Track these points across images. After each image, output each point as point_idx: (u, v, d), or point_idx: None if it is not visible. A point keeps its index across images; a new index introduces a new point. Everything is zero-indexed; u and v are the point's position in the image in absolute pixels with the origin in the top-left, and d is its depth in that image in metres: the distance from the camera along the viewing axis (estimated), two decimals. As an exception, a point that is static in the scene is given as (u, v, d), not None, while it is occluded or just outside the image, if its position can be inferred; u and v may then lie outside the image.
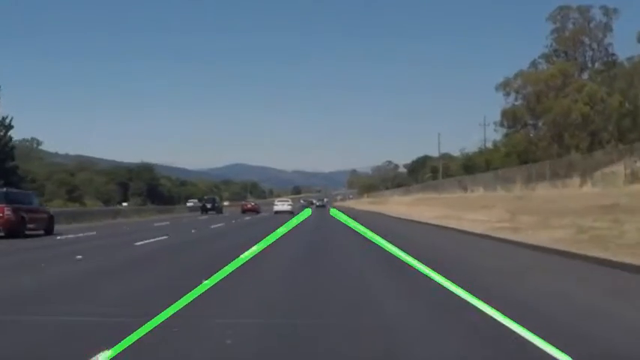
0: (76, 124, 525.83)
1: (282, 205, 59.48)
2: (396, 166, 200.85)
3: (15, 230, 21.19)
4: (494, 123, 65.44)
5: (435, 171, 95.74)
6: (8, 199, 21.67)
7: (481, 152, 74.45)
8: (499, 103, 72.59)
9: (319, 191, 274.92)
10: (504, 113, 61.37)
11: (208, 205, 63.77)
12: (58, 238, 21.57)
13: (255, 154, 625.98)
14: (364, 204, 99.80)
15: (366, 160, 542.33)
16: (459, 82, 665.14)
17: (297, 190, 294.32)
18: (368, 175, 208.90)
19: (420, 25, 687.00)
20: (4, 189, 24.09)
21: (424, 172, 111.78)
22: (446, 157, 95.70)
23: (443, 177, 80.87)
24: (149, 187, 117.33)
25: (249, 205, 68.05)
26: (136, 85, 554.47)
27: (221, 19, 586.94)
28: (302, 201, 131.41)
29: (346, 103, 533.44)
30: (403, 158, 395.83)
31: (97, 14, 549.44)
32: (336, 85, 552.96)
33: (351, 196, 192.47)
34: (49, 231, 23.60)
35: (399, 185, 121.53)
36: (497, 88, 61.36)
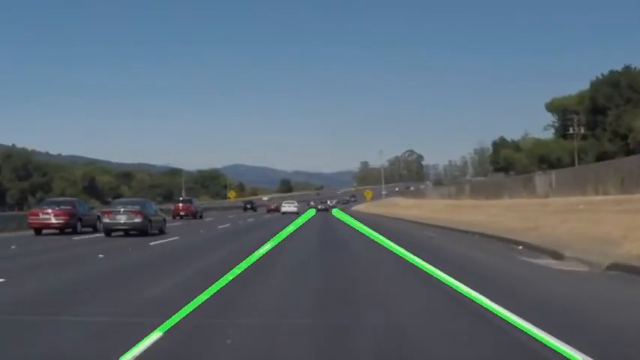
0: (73, 125, 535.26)
1: (289, 206, 67.88)
2: (420, 157, 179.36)
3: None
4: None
5: None
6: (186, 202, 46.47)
7: None
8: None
9: (321, 188, 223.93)
10: None
11: (248, 206, 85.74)
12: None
13: (256, 155, 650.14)
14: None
15: (373, 157, 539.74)
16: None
17: (286, 187, 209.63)
18: (383, 168, 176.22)
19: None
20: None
21: None
22: None
23: None
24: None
25: (272, 207, 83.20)
26: (134, 86, 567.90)
27: (220, 24, 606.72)
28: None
29: (345, 103, 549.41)
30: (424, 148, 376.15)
31: (98, 17, 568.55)
32: (335, 85, 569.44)
33: (353, 199, 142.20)
34: (200, 217, 47.82)
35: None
36: None
